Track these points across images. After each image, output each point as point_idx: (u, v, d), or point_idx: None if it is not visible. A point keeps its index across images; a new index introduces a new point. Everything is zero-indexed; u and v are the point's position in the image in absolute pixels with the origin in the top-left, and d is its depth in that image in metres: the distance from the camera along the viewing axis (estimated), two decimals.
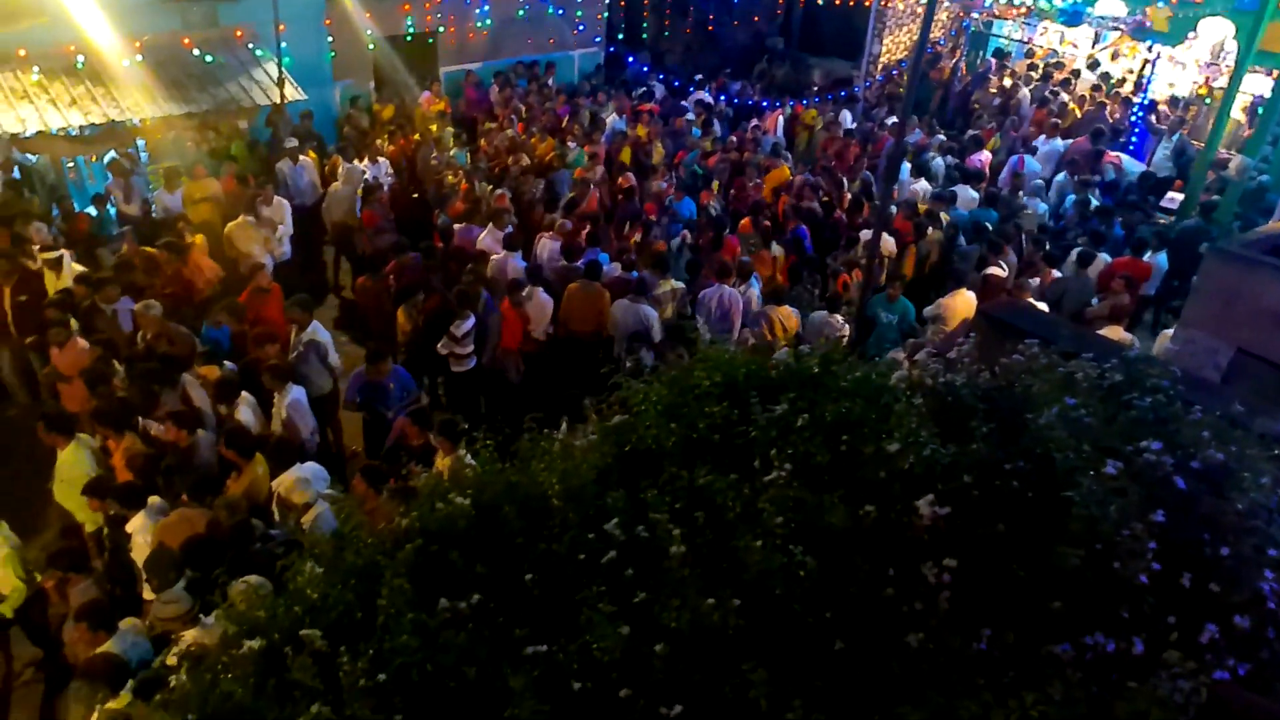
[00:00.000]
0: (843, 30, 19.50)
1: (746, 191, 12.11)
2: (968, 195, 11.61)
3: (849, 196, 11.68)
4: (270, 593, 3.96)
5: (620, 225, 10.89)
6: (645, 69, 18.29)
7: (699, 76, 18.06)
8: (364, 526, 3.52)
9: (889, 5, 17.59)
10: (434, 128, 13.82)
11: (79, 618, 5.12)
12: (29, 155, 12.16)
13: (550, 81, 16.74)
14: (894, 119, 14.99)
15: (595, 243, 10.10)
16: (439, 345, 8.40)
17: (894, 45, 18.15)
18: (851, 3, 18.09)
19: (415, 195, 12.14)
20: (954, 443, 3.09)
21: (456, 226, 10.50)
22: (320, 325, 8.54)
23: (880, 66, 17.98)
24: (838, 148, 13.77)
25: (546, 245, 9.99)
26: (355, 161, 12.36)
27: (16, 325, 9.13)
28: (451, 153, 12.89)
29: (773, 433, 3.48)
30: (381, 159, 12.60)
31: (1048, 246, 10.27)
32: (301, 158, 12.25)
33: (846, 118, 15.64)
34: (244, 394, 7.39)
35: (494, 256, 9.64)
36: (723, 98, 16.73)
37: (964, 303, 8.70)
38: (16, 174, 11.91)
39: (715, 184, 12.51)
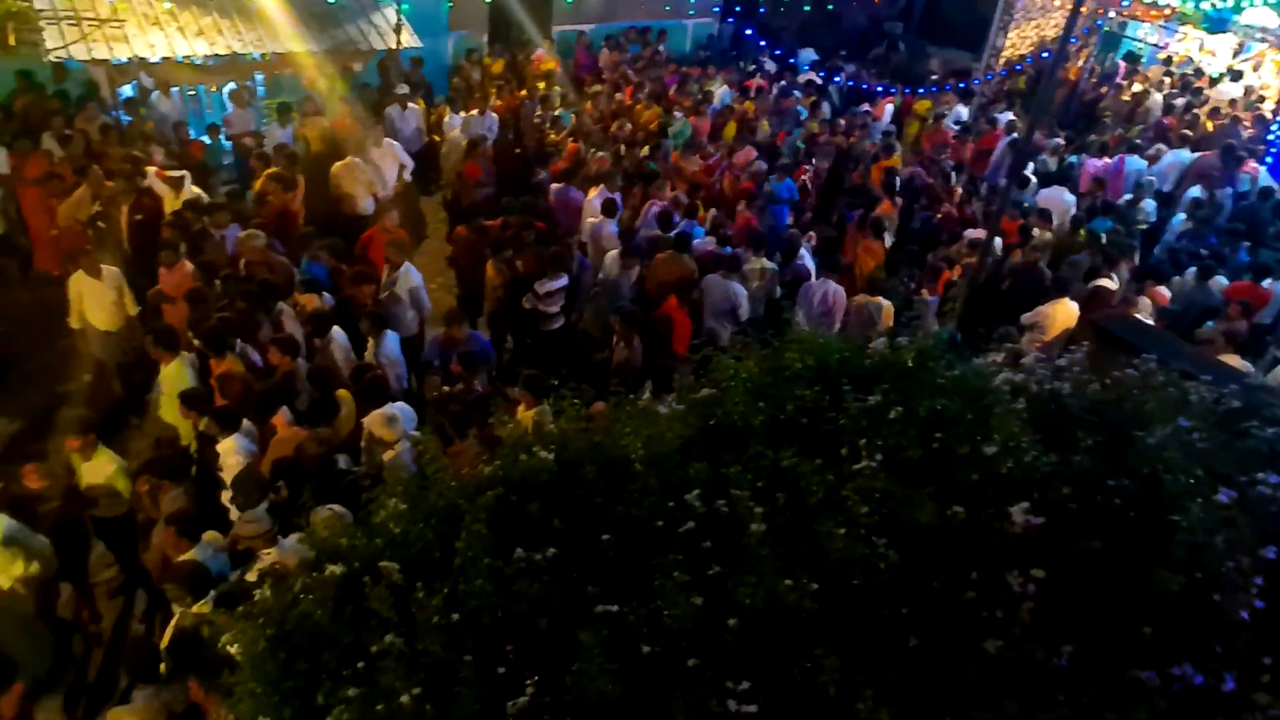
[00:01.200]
0: (966, 20, 18.83)
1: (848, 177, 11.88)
2: (1063, 199, 11.17)
3: (958, 191, 11.33)
4: (351, 523, 4.08)
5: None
6: (763, 43, 17.96)
7: (813, 56, 17.71)
8: (446, 469, 3.58)
9: None
10: (542, 86, 13.87)
11: (169, 523, 5.35)
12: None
13: (661, 49, 16.62)
14: (1010, 116, 14.49)
15: (692, 214, 10.02)
16: (524, 300, 8.47)
17: (1019, 40, 17.45)
18: None
19: (518, 151, 12.22)
20: (1056, 452, 2.98)
21: (554, 186, 10.53)
22: (413, 268, 8.69)
23: (1003, 60, 17.32)
24: (942, 140, 13.38)
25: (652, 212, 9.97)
26: (461, 113, 12.50)
27: (131, 242, 9.51)
28: (557, 112, 12.93)
29: (863, 422, 3.43)
30: (490, 112, 12.68)
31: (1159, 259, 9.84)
32: (410, 104, 12.43)
33: (961, 112, 15.16)
34: (336, 328, 7.58)
35: (590, 220, 9.65)
36: (836, 80, 16.36)
37: (1065, 313, 8.40)
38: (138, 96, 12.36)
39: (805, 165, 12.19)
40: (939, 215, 10.89)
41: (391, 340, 7.53)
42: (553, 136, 11.88)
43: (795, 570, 2.80)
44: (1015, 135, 13.22)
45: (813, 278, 9.13)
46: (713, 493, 3.20)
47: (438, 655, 2.70)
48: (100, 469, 6.14)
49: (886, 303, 8.43)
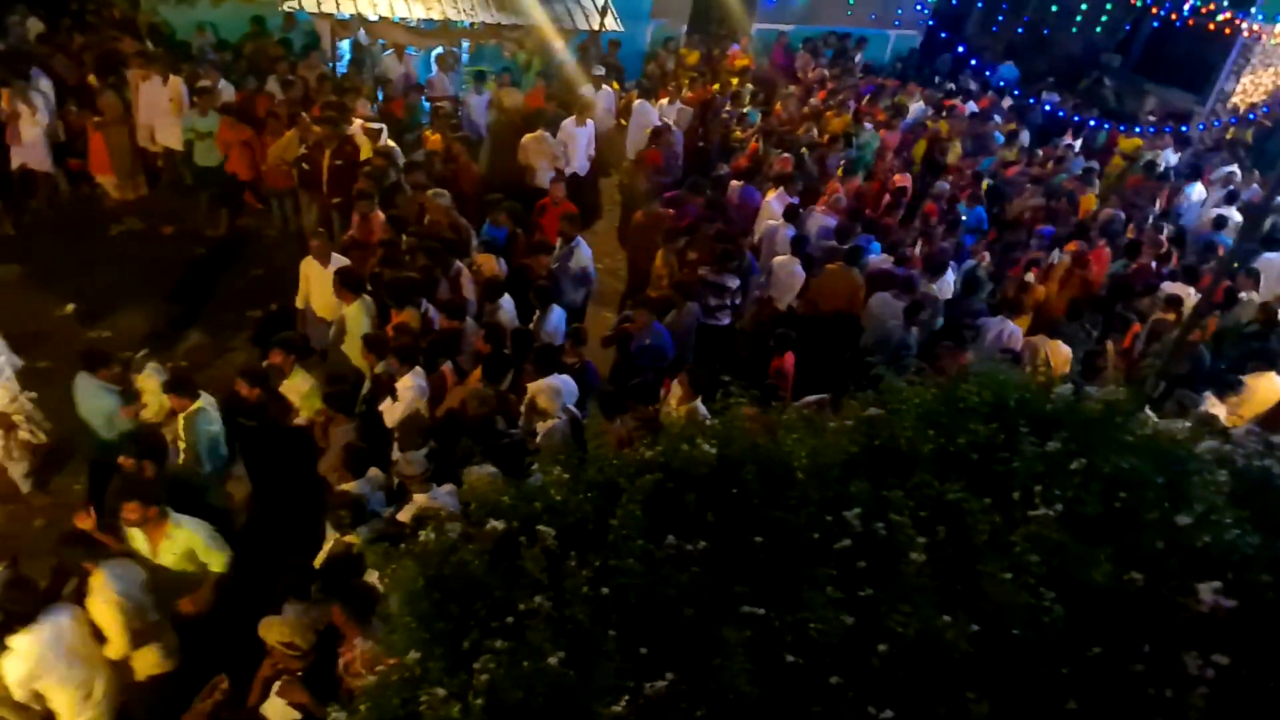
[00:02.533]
0: (1193, 59, 17.54)
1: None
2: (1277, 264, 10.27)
3: (1164, 241, 10.61)
4: (504, 484, 4.21)
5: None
6: (974, 62, 17.32)
7: (1014, 71, 16.90)
8: (607, 447, 3.65)
9: (1259, 37, 15.56)
10: (734, 82, 13.88)
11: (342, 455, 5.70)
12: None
13: (857, 58, 16.32)
14: (1231, 168, 13.45)
15: (871, 229, 9.81)
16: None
17: (1253, 86, 16.15)
18: (1211, 27, 16.19)
19: (701, 145, 12.28)
20: (1261, 534, 2.76)
21: (734, 184, 10.52)
22: (585, 244, 8.87)
23: (1230, 107, 16.08)
24: (1148, 185, 12.56)
25: (818, 220, 9.84)
26: (651, 101, 12.65)
27: (329, 185, 10.12)
28: (745, 110, 12.91)
29: (1040, 468, 3.28)
30: (679, 102, 12.78)
31: None
32: (604, 86, 12.68)
33: (1169, 156, 14.17)
34: (505, 295, 7.84)
35: (768, 221, 9.60)
36: (1046, 108, 15.58)
37: (1267, 386, 7.73)
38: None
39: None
40: (1134, 264, 10.24)
41: (557, 315, 7.72)
42: (738, 134, 11.87)
43: (952, 607, 2.71)
44: (1233, 188, 12.28)
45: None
46: (872, 514, 3.13)
47: (583, 624, 2.76)
48: (296, 386, 6.60)
49: (1066, 348, 8.00)
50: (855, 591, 2.86)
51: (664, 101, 12.70)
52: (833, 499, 3.25)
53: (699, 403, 5.91)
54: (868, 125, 12.88)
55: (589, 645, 2.70)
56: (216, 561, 5.43)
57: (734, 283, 8.44)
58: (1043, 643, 2.65)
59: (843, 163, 11.41)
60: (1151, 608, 2.72)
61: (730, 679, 2.57)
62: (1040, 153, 13.14)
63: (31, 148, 10.30)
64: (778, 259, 9.02)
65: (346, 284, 7.45)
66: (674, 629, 2.82)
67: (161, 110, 10.94)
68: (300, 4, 12.10)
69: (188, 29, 13.09)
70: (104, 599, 4.84)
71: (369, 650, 4.49)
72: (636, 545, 3.01)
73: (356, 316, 7.32)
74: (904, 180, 11.48)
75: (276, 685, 4.60)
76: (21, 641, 4.53)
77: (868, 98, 14.13)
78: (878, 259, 9.17)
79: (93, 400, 6.26)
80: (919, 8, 17.68)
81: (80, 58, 11.51)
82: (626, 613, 2.84)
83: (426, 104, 12.96)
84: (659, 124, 11.83)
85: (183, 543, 5.33)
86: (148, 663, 5.21)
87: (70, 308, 9.22)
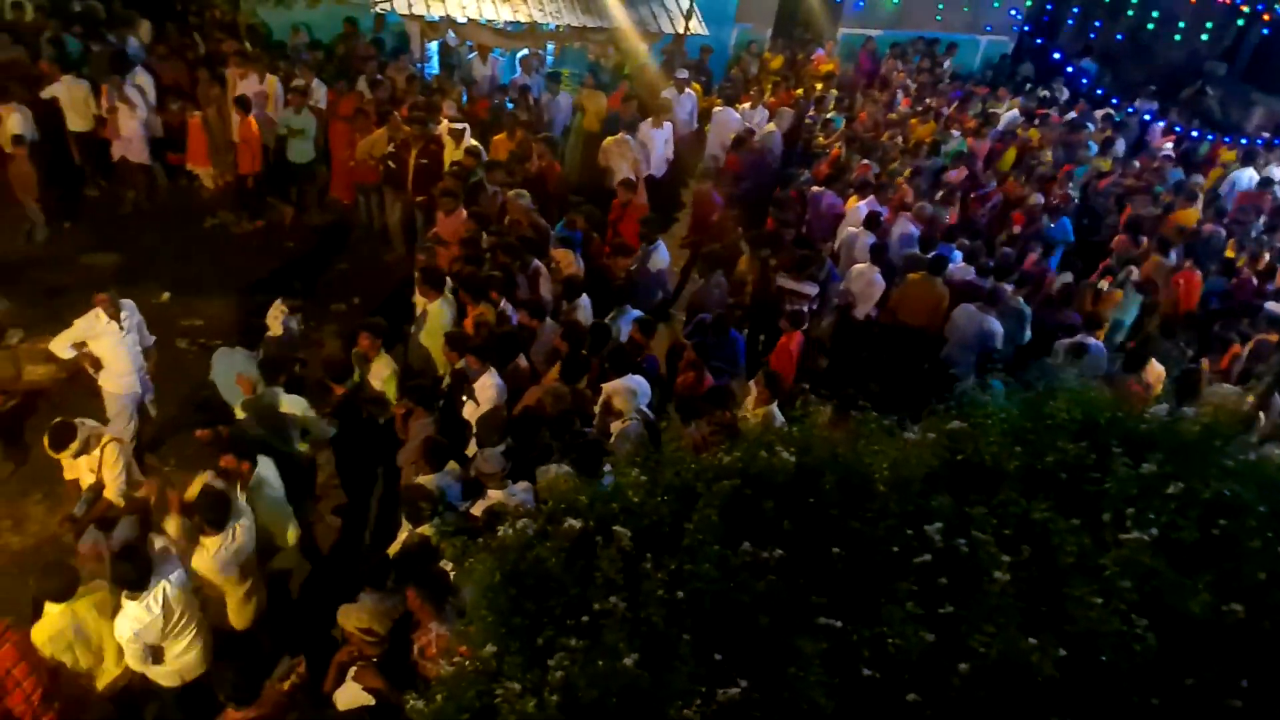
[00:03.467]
0: None
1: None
2: None
3: (1264, 257, 10.15)
4: (578, 484, 4.23)
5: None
6: (1070, 69, 16.81)
7: (1093, 67, 16.31)
8: (685, 450, 3.64)
9: None
10: (819, 86, 13.75)
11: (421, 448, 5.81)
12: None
13: (946, 64, 16.00)
14: None
15: (952, 238, 9.62)
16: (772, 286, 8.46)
17: None
18: None
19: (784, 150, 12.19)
20: None
21: (815, 190, 10.42)
22: (664, 246, 8.89)
23: None
24: (1253, 199, 12.02)
25: (901, 227, 9.67)
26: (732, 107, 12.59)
27: (414, 184, 10.33)
28: (829, 115, 12.77)
29: (1133, 490, 3.18)
30: (762, 107, 12.71)
31: None
32: (687, 89, 12.69)
33: (1276, 171, 13.53)
34: (584, 295, 7.90)
35: (850, 229, 9.49)
36: (1145, 117, 15.02)
37: None
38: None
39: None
40: (1234, 281, 9.83)
41: (632, 317, 7.75)
42: (821, 140, 11.74)
43: (1038, 629, 2.63)
44: None
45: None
46: (954, 529, 3.07)
47: (658, 627, 2.76)
48: (379, 371, 6.76)
49: (1159, 366, 7.72)
50: (935, 609, 2.80)
51: (745, 106, 12.64)
52: (913, 513, 3.18)
53: (775, 408, 5.86)
54: (955, 133, 12.63)
55: (663, 648, 2.70)
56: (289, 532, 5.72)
57: (812, 289, 8.36)
58: (1133, 671, 2.56)
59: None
60: (1252, 641, 2.60)
61: (805, 690, 2.54)
62: (1137, 164, 12.68)
63: (130, 141, 10.79)
64: (856, 267, 8.91)
65: (429, 281, 7.60)
66: (748, 636, 2.79)
67: (257, 107, 11.34)
68: (392, 6, 12.40)
69: (284, 30, 13.56)
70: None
71: (443, 635, 4.58)
72: (712, 550, 2.99)
73: (436, 313, 7.46)
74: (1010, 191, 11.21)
75: (352, 671, 4.71)
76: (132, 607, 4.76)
77: (956, 105, 13.84)
78: (959, 268, 8.98)
79: (240, 371, 6.53)
80: (1012, 13, 17.25)
81: (184, 56, 12.00)
82: (701, 617, 2.83)
83: (510, 105, 13.14)
84: (740, 130, 11.78)
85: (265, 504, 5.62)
86: (245, 616, 5.53)
87: (165, 296, 9.60)
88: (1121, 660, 2.57)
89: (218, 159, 11.35)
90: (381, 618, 4.85)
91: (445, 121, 10.84)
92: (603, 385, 6.30)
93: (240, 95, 10.93)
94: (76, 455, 5.78)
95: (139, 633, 4.76)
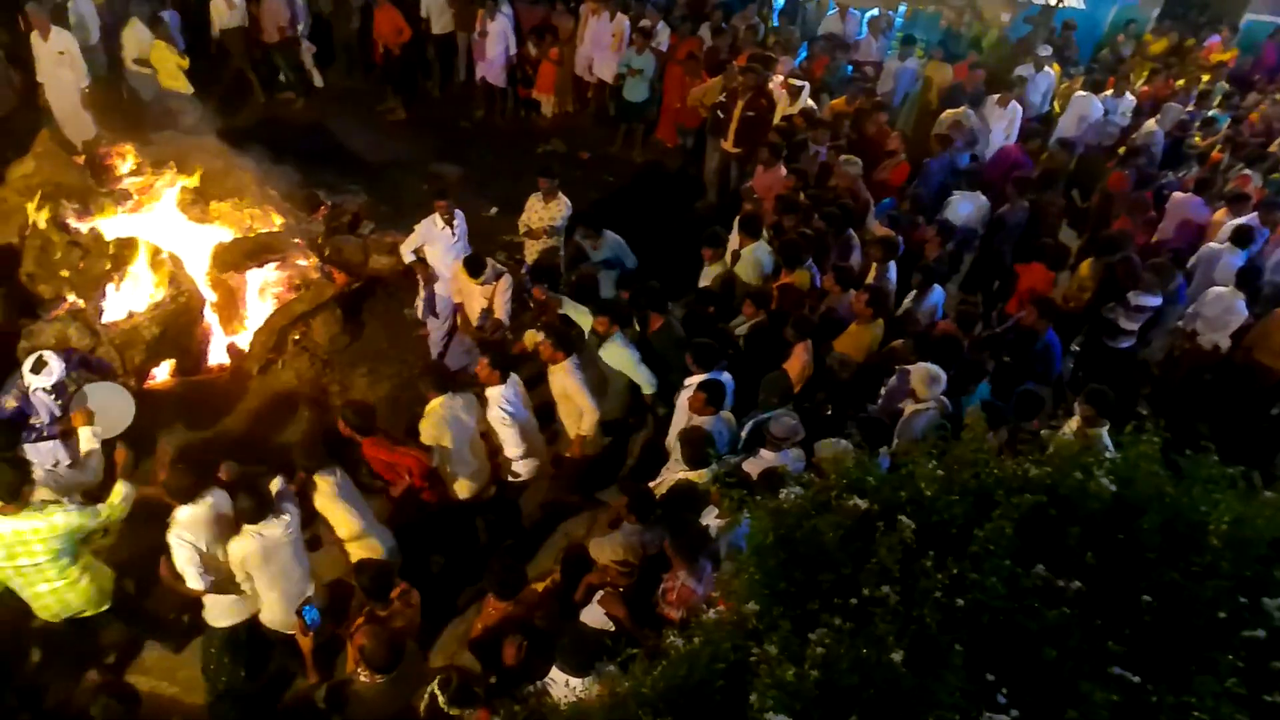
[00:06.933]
0: None
1: None
2: None
3: None
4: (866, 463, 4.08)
5: None
6: None
7: None
8: (988, 453, 3.40)
9: None
10: (1205, 78, 12.05)
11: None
12: None
13: None
14: None
15: None
16: (1104, 309, 7.66)
17: None
18: None
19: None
20: None
21: (1179, 195, 9.20)
22: None
23: None
24: None
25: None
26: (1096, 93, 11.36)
27: (737, 135, 10.34)
28: (1212, 112, 11.14)
29: None
30: (1128, 95, 11.35)
31: None
32: (1046, 68, 11.65)
33: None
34: (891, 263, 7.61)
35: (1211, 244, 8.35)
36: None
37: None
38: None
39: None
40: None
41: (937, 294, 7.47)
42: (1198, 139, 10.32)
43: None
44: None
45: None
46: None
47: (930, 630, 2.62)
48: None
49: None
50: (1261, 693, 2.43)
51: (1108, 93, 11.35)
52: (1251, 579, 2.78)
53: (1104, 431, 5.33)
54: None
55: (933, 653, 2.56)
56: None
57: (1154, 302, 7.47)
58: None
59: None
60: None
61: None
62: None
63: (492, 65, 12.01)
64: (1215, 289, 7.81)
65: (745, 228, 7.69)
66: (1028, 665, 2.59)
67: (603, 45, 11.92)
68: None
69: None
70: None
71: (687, 588, 4.67)
72: (1003, 565, 2.79)
73: (750, 257, 7.55)
74: None
75: (599, 594, 4.91)
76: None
77: None
78: None
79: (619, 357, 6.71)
80: None
81: None
82: (978, 631, 2.66)
83: (849, 68, 12.72)
84: (1099, 119, 10.61)
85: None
86: (366, 549, 5.55)
87: (494, 210, 10.36)
88: None
89: (560, 90, 12.15)
90: (636, 549, 5.01)
91: (782, 76, 10.73)
92: (901, 367, 6.04)
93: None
94: (484, 283, 7.16)
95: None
